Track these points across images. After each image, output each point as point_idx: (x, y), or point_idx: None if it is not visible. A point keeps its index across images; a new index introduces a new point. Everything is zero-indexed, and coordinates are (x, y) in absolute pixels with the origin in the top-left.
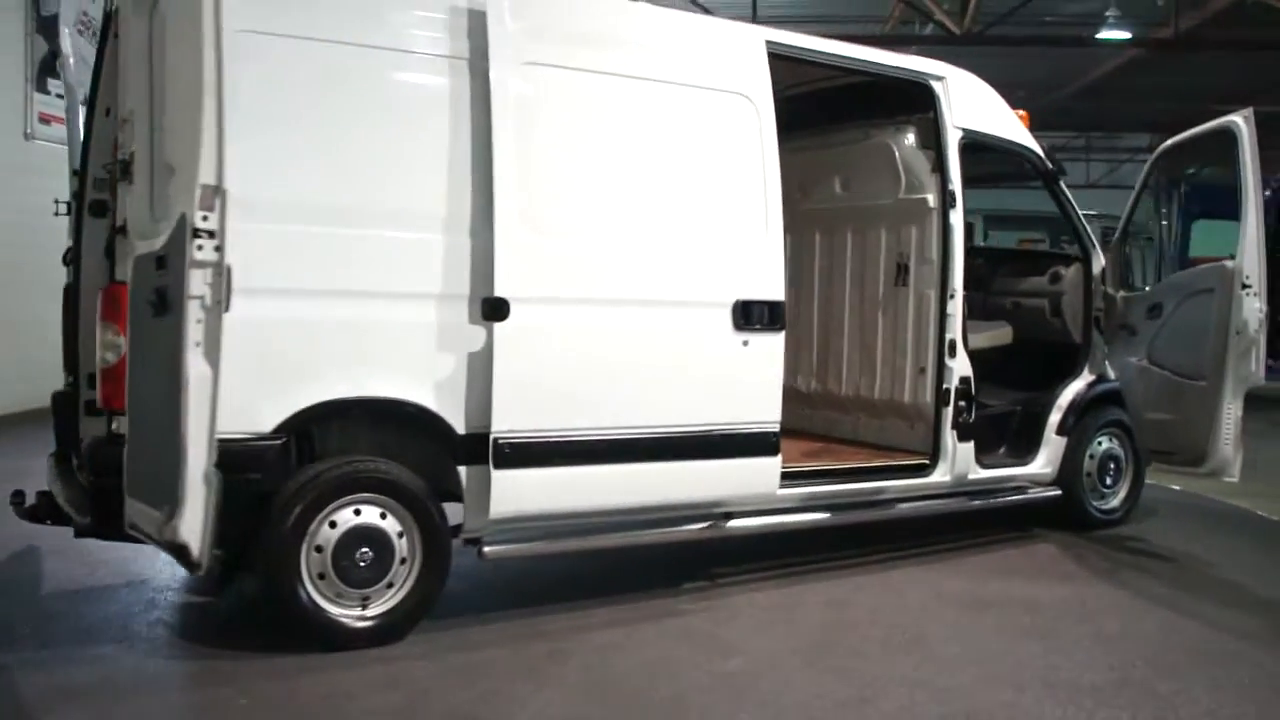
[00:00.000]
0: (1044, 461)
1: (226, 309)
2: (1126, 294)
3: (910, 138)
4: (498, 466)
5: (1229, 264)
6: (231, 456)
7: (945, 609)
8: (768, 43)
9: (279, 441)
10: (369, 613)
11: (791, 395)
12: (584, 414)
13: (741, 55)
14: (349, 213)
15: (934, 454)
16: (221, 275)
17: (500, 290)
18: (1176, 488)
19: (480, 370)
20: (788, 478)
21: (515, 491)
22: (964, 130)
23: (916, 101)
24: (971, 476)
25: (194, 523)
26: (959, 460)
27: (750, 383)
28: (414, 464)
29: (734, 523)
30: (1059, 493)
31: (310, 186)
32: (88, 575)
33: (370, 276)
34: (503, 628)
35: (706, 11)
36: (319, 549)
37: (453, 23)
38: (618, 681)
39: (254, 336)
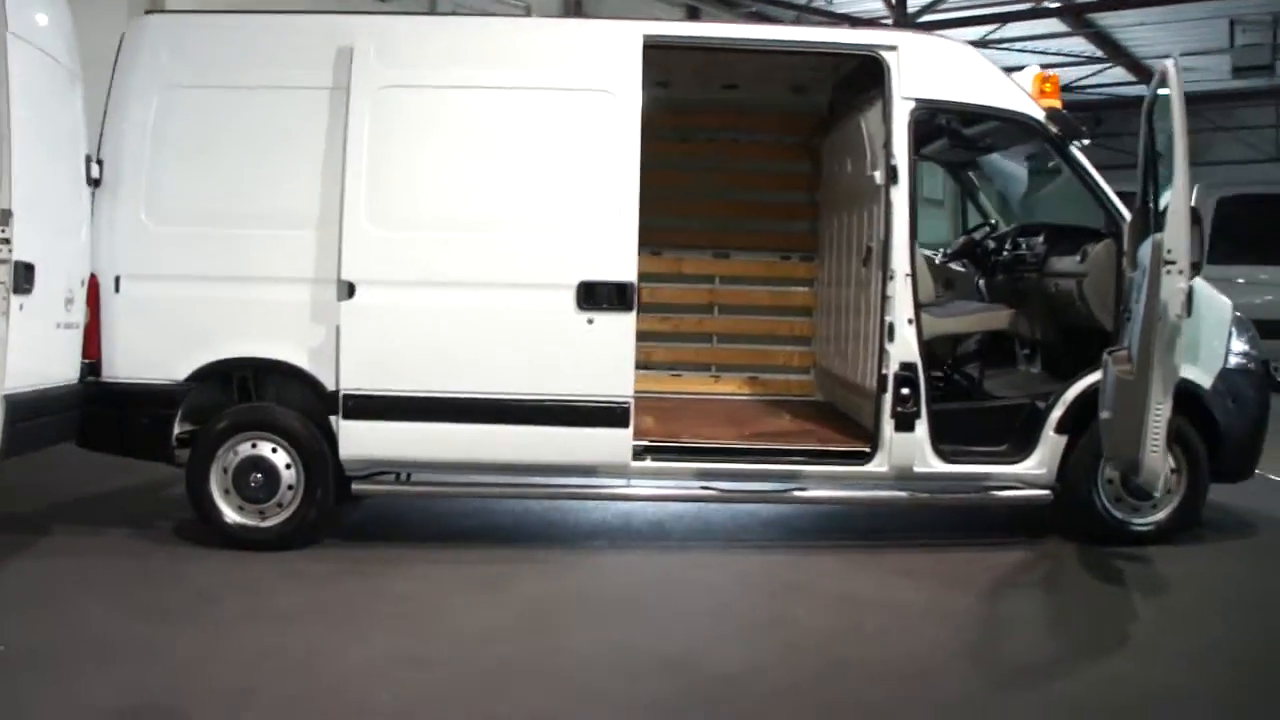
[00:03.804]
0: (1037, 461)
1: (12, 292)
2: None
3: (877, 112)
4: (345, 417)
5: (1157, 236)
6: (150, 396)
7: (765, 597)
8: (646, 36)
9: (190, 387)
10: (264, 524)
11: (826, 377)
12: (423, 377)
13: (606, 54)
14: (242, 217)
15: (874, 442)
16: (12, 269)
17: (346, 275)
18: None
19: None
20: (649, 451)
21: (360, 438)
22: (917, 100)
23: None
24: (921, 470)
25: None
26: (898, 451)
27: (596, 358)
28: (312, 414)
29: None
30: (1047, 495)
31: (211, 197)
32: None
33: (258, 265)
34: (367, 554)
35: None
36: (225, 470)
37: (336, 61)
38: (340, 602)
39: (167, 309)
